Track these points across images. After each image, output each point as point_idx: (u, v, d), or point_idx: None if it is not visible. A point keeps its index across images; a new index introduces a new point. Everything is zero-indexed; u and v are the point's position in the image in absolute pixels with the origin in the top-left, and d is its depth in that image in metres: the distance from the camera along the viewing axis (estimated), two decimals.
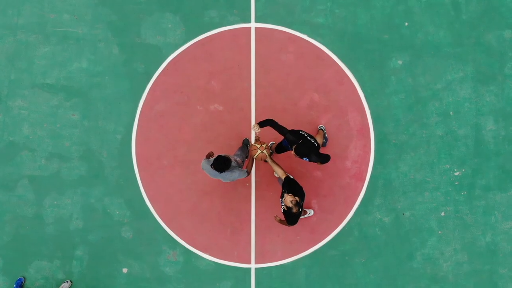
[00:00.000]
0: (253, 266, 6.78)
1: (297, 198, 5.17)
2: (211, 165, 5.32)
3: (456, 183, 6.72)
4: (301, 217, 6.20)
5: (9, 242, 6.90)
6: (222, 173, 5.33)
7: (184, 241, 6.75)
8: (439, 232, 6.72)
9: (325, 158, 5.51)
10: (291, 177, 5.52)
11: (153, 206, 6.77)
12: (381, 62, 6.74)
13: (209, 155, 5.68)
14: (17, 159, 6.88)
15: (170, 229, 6.77)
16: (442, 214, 6.73)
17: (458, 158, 6.72)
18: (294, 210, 5.17)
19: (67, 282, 6.76)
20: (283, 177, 5.47)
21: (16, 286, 6.80)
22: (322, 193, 6.74)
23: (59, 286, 6.72)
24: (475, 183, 6.73)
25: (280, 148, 6.16)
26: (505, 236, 6.76)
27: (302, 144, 5.26)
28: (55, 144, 6.84)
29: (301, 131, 5.49)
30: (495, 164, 6.74)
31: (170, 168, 6.74)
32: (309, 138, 5.42)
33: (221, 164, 5.22)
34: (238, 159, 5.79)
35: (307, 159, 5.44)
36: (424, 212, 6.71)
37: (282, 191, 5.59)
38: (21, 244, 6.89)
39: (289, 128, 5.44)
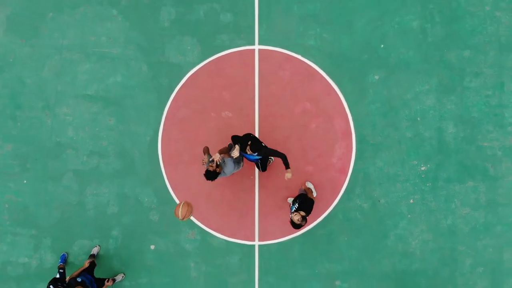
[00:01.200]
0: (256, 243, 8.30)
1: (303, 214, 6.63)
2: (203, 174, 6.72)
3: (422, 176, 8.22)
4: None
5: (56, 224, 8.43)
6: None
7: (201, 222, 8.28)
8: (409, 216, 8.22)
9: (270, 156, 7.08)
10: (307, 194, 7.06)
11: (175, 194, 8.29)
12: (361, 77, 8.23)
13: (205, 151, 7.09)
14: (63, 156, 8.40)
15: (195, 217, 8.29)
16: (411, 201, 8.23)
17: (424, 155, 8.22)
18: (302, 223, 6.67)
19: (97, 246, 8.23)
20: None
21: (61, 260, 8.31)
22: (314, 184, 8.24)
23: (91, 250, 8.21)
24: (438, 176, 8.23)
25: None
26: (463, 219, 8.25)
27: (253, 143, 6.65)
28: (95, 144, 8.36)
29: (251, 134, 6.91)
30: (455, 161, 8.24)
31: (189, 163, 8.24)
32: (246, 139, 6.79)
33: (210, 176, 6.67)
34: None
35: (258, 158, 6.88)
36: (396, 199, 8.21)
37: (296, 198, 7.09)
38: (66, 226, 8.41)
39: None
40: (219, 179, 6.87)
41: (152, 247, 8.32)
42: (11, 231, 8.50)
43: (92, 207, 8.38)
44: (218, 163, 6.62)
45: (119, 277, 8.14)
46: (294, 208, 6.98)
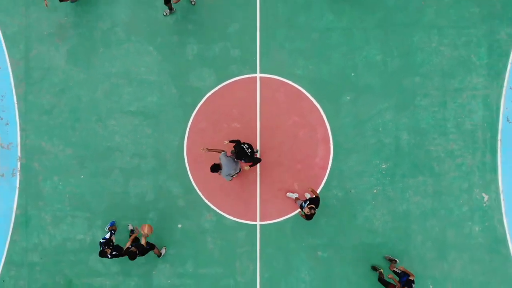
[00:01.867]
0: (258, 223, 10.96)
1: (312, 206, 9.21)
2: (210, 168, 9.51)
3: (383, 172, 10.88)
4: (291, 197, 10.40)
5: (106, 209, 11.11)
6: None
7: (216, 207, 10.96)
8: (373, 202, 10.87)
9: (255, 160, 9.68)
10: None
11: (197, 185, 10.97)
12: (336, 98, 10.90)
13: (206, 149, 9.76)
14: (112, 157, 11.09)
15: (207, 200, 10.98)
16: (375, 191, 10.89)
17: (384, 157, 10.87)
18: (311, 213, 9.24)
19: (130, 225, 10.87)
20: (313, 195, 9.56)
21: (110, 225, 10.82)
22: (300, 179, 10.90)
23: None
24: (395, 172, 10.88)
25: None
26: (415, 205, 10.88)
27: (238, 152, 9.40)
28: (136, 148, 11.05)
29: (242, 144, 9.58)
30: (408, 161, 10.89)
31: (207, 162, 10.84)
32: (245, 148, 9.51)
33: (214, 169, 9.41)
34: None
35: (244, 161, 9.60)
36: (363, 190, 10.86)
37: (305, 201, 9.62)
38: (114, 211, 11.09)
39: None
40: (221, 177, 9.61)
41: (180, 225, 11.00)
42: (71, 214, 11.20)
43: (133, 195, 11.07)
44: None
45: (163, 251, 10.78)
46: (306, 205, 9.48)
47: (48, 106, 11.21)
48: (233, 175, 9.99)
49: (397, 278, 9.79)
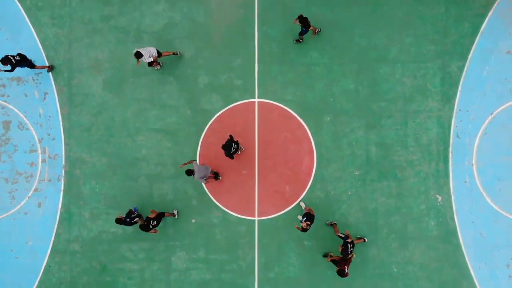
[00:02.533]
0: (256, 219, 13.66)
1: (308, 223, 11.86)
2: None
3: (356, 178, 13.58)
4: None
5: (137, 205, 13.82)
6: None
7: (222, 206, 13.66)
8: (348, 202, 13.58)
9: (228, 156, 12.50)
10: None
11: (207, 188, 13.69)
12: (319, 118, 13.63)
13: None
14: (139, 166, 13.81)
15: (215, 200, 13.68)
16: (349, 193, 13.59)
17: (357, 165, 13.59)
18: (307, 228, 11.90)
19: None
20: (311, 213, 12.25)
21: (134, 210, 13.34)
22: (290, 182, 13.60)
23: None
24: (366, 178, 13.59)
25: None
26: (381, 204, 13.56)
27: (227, 145, 12.17)
28: (159, 158, 13.78)
29: (233, 142, 12.37)
30: (376, 169, 13.59)
31: (215, 166, 13.61)
32: (232, 146, 12.28)
33: (188, 173, 12.06)
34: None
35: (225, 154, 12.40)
36: (340, 192, 13.57)
37: (303, 215, 12.28)
38: (140, 209, 13.78)
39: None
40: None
41: (193, 220, 13.72)
42: (105, 211, 13.91)
43: (156, 196, 13.79)
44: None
45: (175, 212, 13.39)
46: (304, 220, 12.16)
47: (87, 124, 13.97)
48: (205, 178, 12.61)
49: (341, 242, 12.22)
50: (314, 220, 12.28)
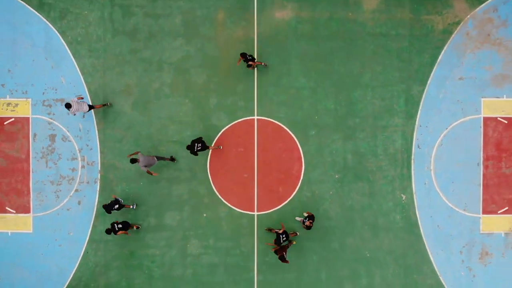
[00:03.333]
0: (256, 213, 16.92)
1: (312, 221, 15.23)
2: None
3: (336, 180, 16.84)
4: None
5: (156, 204, 17.03)
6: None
7: (228, 203, 16.94)
8: (329, 200, 16.83)
9: (192, 153, 15.84)
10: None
11: (215, 189, 16.96)
12: (305, 132, 16.90)
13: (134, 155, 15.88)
14: (160, 170, 17.06)
15: (222, 198, 16.95)
16: (330, 193, 16.85)
17: (337, 170, 16.84)
18: (311, 225, 15.30)
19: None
20: (310, 214, 15.65)
21: (118, 200, 16.74)
22: (284, 183, 16.84)
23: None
24: (344, 180, 16.85)
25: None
26: (357, 202, 16.81)
27: (191, 145, 15.55)
28: (177, 165, 17.03)
29: (198, 142, 15.77)
30: (352, 173, 16.85)
31: (223, 173, 16.88)
32: (195, 146, 15.63)
33: (131, 161, 15.51)
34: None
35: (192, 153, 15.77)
36: (323, 191, 16.82)
37: (306, 217, 15.66)
38: (161, 205, 17.02)
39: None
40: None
41: (205, 215, 16.98)
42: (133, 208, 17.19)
43: (174, 196, 17.06)
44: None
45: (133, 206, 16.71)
46: (307, 220, 15.45)
47: (119, 137, 17.25)
48: (147, 167, 15.81)
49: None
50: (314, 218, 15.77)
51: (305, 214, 16.26)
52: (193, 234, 17.02)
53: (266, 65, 16.75)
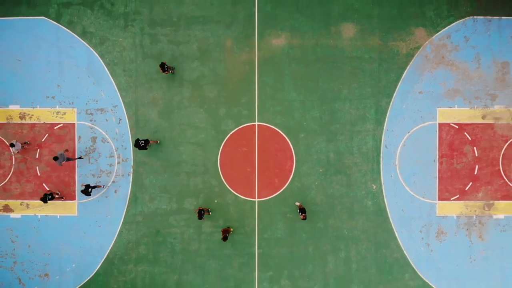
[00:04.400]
0: (256, 200, 21.29)
1: (305, 214, 19.83)
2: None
3: (320, 173, 21.20)
4: None
5: (177, 192, 21.42)
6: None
7: (234, 191, 21.31)
8: (315, 189, 21.18)
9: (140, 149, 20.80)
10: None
11: (225, 180, 21.33)
12: (297, 136, 21.27)
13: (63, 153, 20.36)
14: (181, 166, 21.41)
15: (230, 187, 21.33)
16: (316, 183, 21.21)
17: (321, 165, 21.19)
18: (305, 217, 19.84)
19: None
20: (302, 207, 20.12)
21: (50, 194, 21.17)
22: (279, 176, 21.18)
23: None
24: (327, 173, 21.21)
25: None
26: (336, 190, 21.16)
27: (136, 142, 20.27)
28: (194, 161, 21.40)
29: (141, 140, 20.64)
30: (334, 168, 21.21)
31: (230, 166, 21.24)
32: (140, 142, 20.55)
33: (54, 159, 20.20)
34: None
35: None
36: (310, 182, 21.18)
37: (300, 209, 20.12)
38: (181, 193, 21.42)
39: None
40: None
41: (216, 201, 21.36)
42: (159, 195, 21.56)
43: (192, 186, 21.44)
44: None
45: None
46: (301, 214, 19.85)
47: (149, 138, 21.61)
48: (62, 162, 20.55)
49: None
50: (306, 210, 20.18)
51: (297, 204, 20.56)
52: (206, 216, 21.36)
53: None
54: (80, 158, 21.61)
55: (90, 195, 20.81)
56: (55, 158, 20.38)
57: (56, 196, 21.59)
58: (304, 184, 21.32)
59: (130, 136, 21.67)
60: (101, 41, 21.83)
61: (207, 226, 21.45)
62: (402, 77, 21.41)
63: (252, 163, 21.35)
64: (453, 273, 21.40)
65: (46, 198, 20.72)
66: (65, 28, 21.90)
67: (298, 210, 20.47)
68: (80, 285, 21.95)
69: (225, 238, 20.13)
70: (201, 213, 20.15)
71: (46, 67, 21.92)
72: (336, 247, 21.35)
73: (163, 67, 20.54)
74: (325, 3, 21.43)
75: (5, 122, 22.05)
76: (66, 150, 21.55)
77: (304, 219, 20.04)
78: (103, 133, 21.81)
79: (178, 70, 21.65)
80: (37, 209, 22.06)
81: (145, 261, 21.69)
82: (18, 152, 21.70)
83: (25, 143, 21.84)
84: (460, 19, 21.46)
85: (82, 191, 20.72)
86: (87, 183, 21.44)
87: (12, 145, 21.17)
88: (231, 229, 21.02)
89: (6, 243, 22.22)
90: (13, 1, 22.05)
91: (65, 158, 20.82)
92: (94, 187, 21.16)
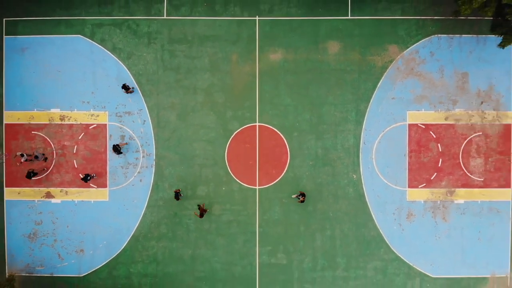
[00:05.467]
0: (257, 187, 25.78)
1: (304, 198, 24.25)
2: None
3: (310, 165, 25.66)
4: None
5: (191, 182, 25.91)
6: None
7: (239, 181, 25.79)
8: (306, 178, 25.64)
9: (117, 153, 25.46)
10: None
11: (231, 171, 25.81)
12: (291, 134, 25.73)
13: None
14: (195, 159, 25.89)
15: (235, 177, 25.81)
16: (307, 173, 25.67)
17: (311, 159, 25.64)
18: (303, 200, 24.30)
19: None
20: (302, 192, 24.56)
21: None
22: (276, 168, 25.62)
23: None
24: (315, 165, 25.67)
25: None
26: (324, 179, 25.61)
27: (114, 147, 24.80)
28: (205, 155, 25.88)
29: (117, 145, 25.17)
30: (322, 161, 25.67)
31: (235, 159, 25.70)
32: (117, 146, 25.12)
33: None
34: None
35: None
36: (302, 173, 25.62)
37: (299, 194, 24.65)
38: (194, 182, 25.91)
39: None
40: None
41: (223, 188, 25.84)
42: (176, 184, 26.04)
43: (203, 176, 25.92)
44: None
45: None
46: (301, 197, 24.38)
47: (167, 137, 26.11)
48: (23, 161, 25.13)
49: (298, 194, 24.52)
50: (305, 195, 24.59)
51: (299, 192, 25.03)
52: (215, 201, 25.81)
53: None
54: (126, 143, 26.37)
55: (121, 153, 25.95)
56: (115, 149, 25.49)
57: (94, 177, 26.07)
58: (297, 174, 25.77)
59: (153, 135, 26.17)
60: (128, 55, 26.33)
61: (216, 209, 25.92)
62: (378, 85, 25.86)
63: (254, 157, 25.81)
64: (421, 249, 25.80)
65: (87, 177, 25.25)
66: (98, 45, 26.39)
67: (299, 194, 24.77)
68: (110, 259, 26.40)
69: (201, 215, 24.98)
70: (202, 213, 24.96)
71: (82, 77, 26.40)
72: (323, 226, 25.80)
73: (125, 87, 25.52)
74: (314, 24, 25.92)
75: (48, 122, 26.54)
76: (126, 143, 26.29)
77: (303, 201, 24.39)
78: (130, 132, 26.29)
79: (192, 81, 26.15)
80: (74, 195, 26.55)
81: (165, 238, 26.17)
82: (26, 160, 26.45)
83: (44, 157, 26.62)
84: (427, 37, 25.92)
85: (84, 179, 25.74)
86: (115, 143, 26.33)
87: (22, 155, 26.25)
88: (207, 209, 25.73)
89: (47, 224, 26.69)
90: (53, 22, 26.55)
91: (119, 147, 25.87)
92: (121, 146, 26.18)
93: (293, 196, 25.38)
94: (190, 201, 26.05)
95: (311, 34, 25.98)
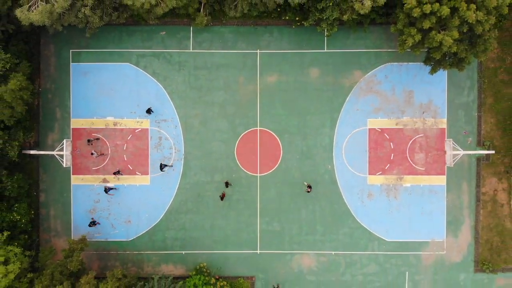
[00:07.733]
0: (258, 175, 35.43)
1: (310, 190, 33.89)
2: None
3: (297, 159, 35.29)
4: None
5: (209, 171, 35.64)
6: None
7: (246, 170, 35.43)
8: (294, 169, 35.24)
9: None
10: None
11: (239, 163, 35.45)
12: (283, 136, 35.28)
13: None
14: (213, 155, 35.54)
15: (243, 168, 35.47)
16: (295, 165, 35.28)
17: (298, 154, 35.22)
18: (310, 191, 34.01)
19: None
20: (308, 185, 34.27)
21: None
22: (272, 161, 35.19)
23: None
24: (302, 158, 35.28)
25: None
26: (309, 169, 35.20)
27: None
28: (220, 152, 35.55)
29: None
30: (305, 156, 35.25)
31: (243, 154, 35.30)
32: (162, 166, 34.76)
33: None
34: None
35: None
36: (291, 165, 35.23)
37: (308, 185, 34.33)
38: (212, 172, 35.58)
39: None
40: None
41: (233, 175, 35.51)
42: (199, 173, 35.78)
43: (219, 168, 35.57)
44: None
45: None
46: (308, 188, 34.05)
47: (193, 138, 35.78)
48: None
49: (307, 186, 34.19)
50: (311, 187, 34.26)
51: (306, 184, 34.59)
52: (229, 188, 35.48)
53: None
54: (171, 166, 35.86)
55: (162, 171, 35.06)
56: (161, 166, 35.07)
57: (121, 174, 35.79)
58: (288, 165, 35.38)
59: (182, 136, 35.86)
60: (164, 78, 36.03)
61: (228, 190, 35.57)
62: (346, 100, 35.44)
63: (256, 153, 35.44)
64: (378, 220, 35.38)
65: (161, 166, 34.98)
66: (142, 70, 36.11)
67: (308, 186, 34.33)
68: (150, 227, 36.05)
69: (222, 199, 34.49)
70: (222, 197, 34.60)
71: (129, 94, 36.11)
72: (306, 203, 35.39)
73: (149, 110, 35.18)
74: (300, 56, 35.55)
75: (104, 127, 36.25)
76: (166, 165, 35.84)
77: (309, 191, 33.90)
78: (166, 134, 36.00)
79: (210, 96, 35.83)
80: (124, 180, 36.28)
81: (191, 212, 35.84)
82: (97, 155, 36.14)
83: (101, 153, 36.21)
84: (382, 64, 35.50)
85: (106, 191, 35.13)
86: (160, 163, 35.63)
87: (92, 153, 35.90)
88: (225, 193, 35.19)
89: (104, 202, 36.36)
90: (108, 53, 36.25)
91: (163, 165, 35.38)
92: (165, 166, 35.32)
93: (305, 183, 34.80)
94: (209, 185, 35.70)
95: (298, 63, 35.61)
